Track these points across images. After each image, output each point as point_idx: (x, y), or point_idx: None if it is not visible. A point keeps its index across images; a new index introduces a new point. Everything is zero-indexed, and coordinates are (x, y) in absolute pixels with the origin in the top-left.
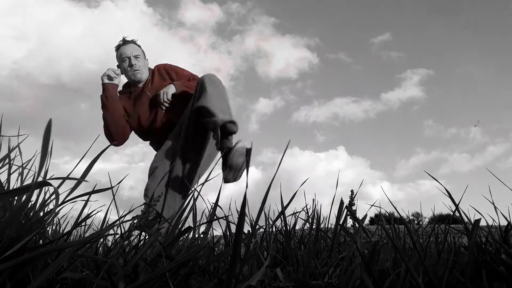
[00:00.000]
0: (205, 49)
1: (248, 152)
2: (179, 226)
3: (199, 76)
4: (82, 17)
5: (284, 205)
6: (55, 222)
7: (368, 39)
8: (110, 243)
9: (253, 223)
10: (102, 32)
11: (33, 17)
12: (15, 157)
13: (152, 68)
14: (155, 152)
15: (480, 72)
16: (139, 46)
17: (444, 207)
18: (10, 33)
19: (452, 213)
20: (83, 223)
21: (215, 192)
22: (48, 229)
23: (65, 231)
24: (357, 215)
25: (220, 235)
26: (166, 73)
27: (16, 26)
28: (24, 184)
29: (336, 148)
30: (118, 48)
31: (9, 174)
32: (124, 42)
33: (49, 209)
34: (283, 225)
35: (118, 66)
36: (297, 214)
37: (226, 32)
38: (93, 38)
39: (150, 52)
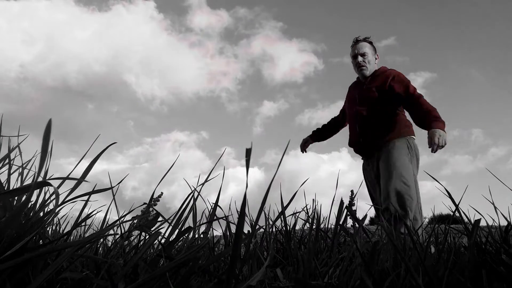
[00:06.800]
0: (212, 53)
1: (248, 152)
2: (179, 226)
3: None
4: (92, 21)
5: (284, 205)
6: (55, 222)
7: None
8: (110, 243)
9: (253, 223)
10: (112, 36)
11: (42, 21)
12: (15, 157)
13: (380, 68)
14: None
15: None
16: (370, 43)
17: (444, 208)
18: (18, 37)
19: (452, 213)
20: (83, 223)
21: (215, 192)
22: (48, 229)
23: (65, 231)
24: (357, 215)
25: (220, 235)
26: (388, 79)
27: (25, 30)
28: (24, 184)
29: (339, 150)
30: (351, 46)
31: (9, 174)
32: (356, 41)
33: (49, 209)
34: (283, 225)
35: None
36: (297, 214)
37: (234, 36)
38: (102, 42)
39: (159, 56)
